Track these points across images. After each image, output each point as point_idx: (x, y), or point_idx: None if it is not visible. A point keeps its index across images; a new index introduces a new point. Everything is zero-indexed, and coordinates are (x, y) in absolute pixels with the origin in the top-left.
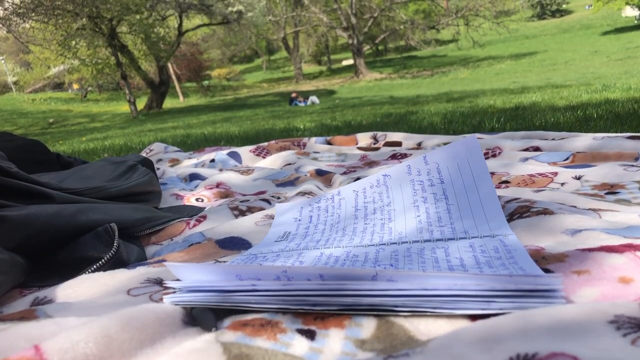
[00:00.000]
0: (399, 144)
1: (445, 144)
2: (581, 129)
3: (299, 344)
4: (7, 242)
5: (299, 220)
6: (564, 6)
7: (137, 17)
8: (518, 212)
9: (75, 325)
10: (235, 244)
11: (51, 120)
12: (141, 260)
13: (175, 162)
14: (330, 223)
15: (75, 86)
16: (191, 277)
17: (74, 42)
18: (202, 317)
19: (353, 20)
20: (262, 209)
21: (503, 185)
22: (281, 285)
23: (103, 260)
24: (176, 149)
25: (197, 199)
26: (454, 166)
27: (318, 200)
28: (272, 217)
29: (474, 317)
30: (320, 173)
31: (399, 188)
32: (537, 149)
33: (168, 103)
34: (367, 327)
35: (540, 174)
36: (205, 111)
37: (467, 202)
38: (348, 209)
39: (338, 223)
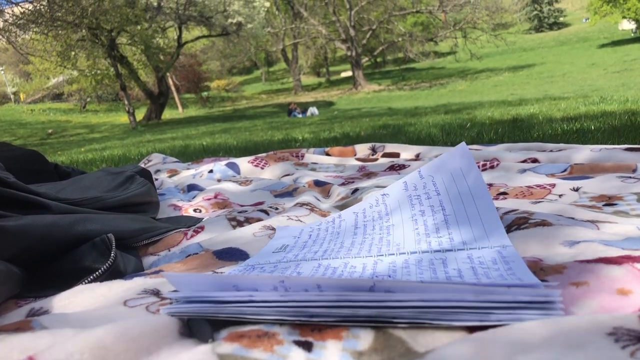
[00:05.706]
0: (397, 155)
1: None
2: (579, 141)
3: (296, 356)
4: (3, 253)
5: (298, 237)
6: (562, 19)
7: (137, 28)
8: (516, 223)
9: (71, 337)
10: (232, 254)
11: (50, 131)
12: (138, 271)
13: (173, 172)
14: (329, 239)
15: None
16: (188, 287)
17: (73, 53)
18: (198, 328)
19: (352, 32)
20: (260, 219)
21: (501, 196)
22: (278, 296)
23: (100, 271)
24: (175, 159)
25: (195, 210)
26: (448, 177)
27: (319, 223)
28: (270, 227)
29: (472, 329)
30: (318, 184)
31: (397, 206)
32: (535, 160)
33: (167, 114)
34: (365, 338)
35: (538, 186)
36: (204, 122)
37: (464, 213)
38: (348, 227)
39: (337, 238)
